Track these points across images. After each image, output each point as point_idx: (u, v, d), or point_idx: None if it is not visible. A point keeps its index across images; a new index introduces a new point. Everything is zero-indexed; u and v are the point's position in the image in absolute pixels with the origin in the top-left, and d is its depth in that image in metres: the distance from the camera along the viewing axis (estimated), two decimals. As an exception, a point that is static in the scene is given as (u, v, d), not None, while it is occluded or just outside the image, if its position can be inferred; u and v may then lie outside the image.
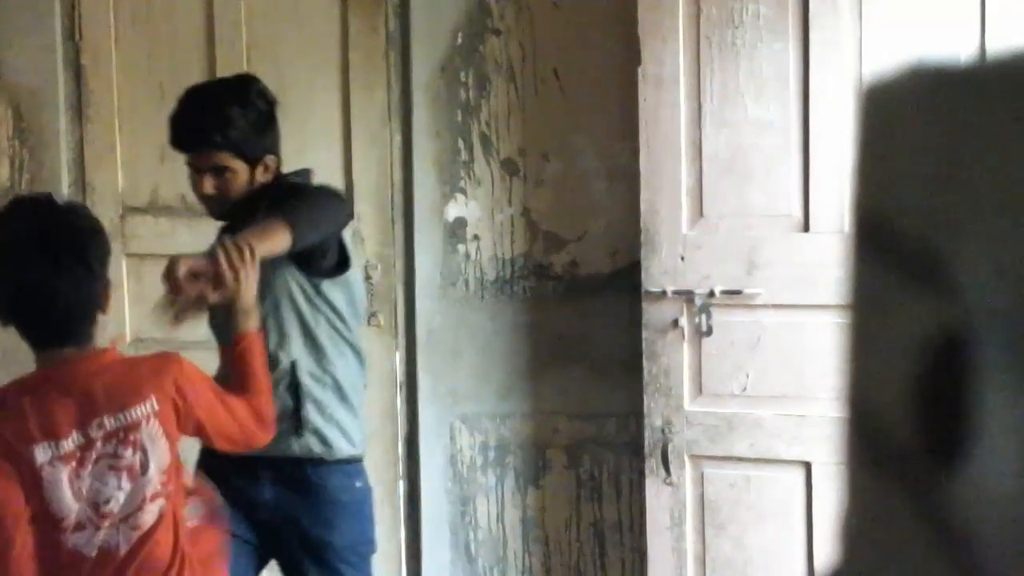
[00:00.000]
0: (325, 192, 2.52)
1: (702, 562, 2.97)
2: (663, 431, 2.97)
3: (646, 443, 2.99)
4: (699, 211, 2.91)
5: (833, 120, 2.75)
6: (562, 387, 3.21)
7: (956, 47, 2.62)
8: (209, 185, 2.44)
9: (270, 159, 2.49)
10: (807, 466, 2.85)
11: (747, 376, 2.89)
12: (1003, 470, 0.38)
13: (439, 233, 3.29)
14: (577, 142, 3.15)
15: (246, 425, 2.12)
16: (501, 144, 3.22)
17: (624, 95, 3.01)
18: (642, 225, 2.94)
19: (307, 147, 3.21)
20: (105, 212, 3.49)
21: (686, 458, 2.95)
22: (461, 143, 3.25)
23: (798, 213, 2.82)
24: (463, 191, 3.25)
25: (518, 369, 3.25)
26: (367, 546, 2.63)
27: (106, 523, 1.91)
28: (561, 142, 3.17)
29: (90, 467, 1.90)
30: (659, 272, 2.93)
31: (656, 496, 2.99)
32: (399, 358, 3.40)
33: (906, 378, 0.40)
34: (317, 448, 2.49)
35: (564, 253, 3.19)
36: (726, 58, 2.85)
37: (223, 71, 3.35)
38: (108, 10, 3.49)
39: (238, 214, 2.44)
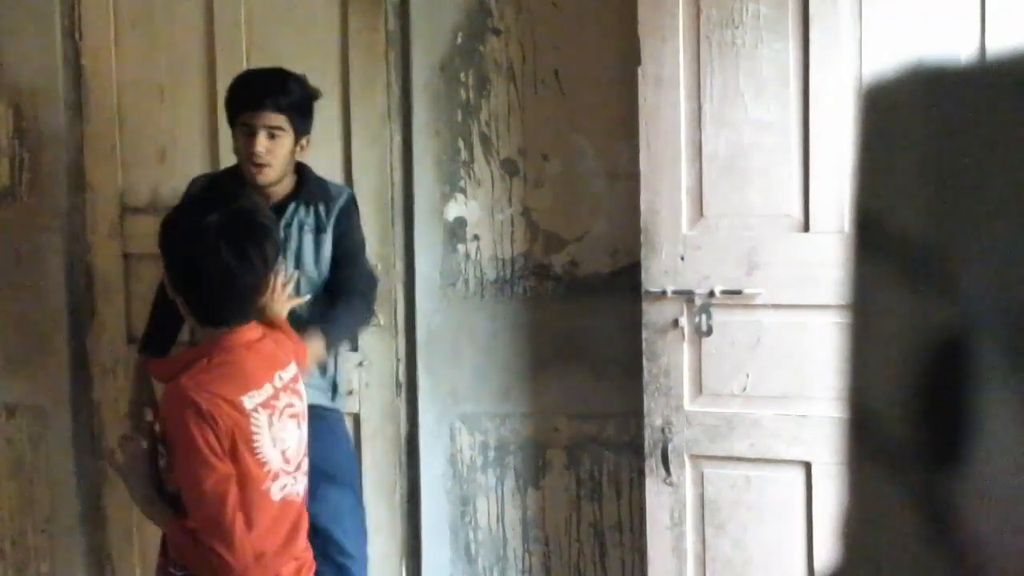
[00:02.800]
0: (366, 291, 3.00)
1: (702, 562, 2.97)
2: (663, 431, 2.97)
3: (646, 443, 2.99)
4: (699, 211, 2.91)
5: (833, 120, 2.75)
6: (562, 387, 3.21)
7: (956, 47, 2.62)
8: (262, 144, 2.78)
9: (306, 140, 2.88)
10: (807, 466, 2.85)
11: (747, 376, 2.89)
12: (1002, 470, 0.38)
13: (439, 233, 3.29)
14: (577, 142, 3.15)
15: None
16: (501, 144, 3.22)
17: (624, 95, 3.01)
18: (642, 225, 2.94)
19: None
20: (105, 212, 3.50)
21: (686, 458, 2.95)
22: (461, 143, 3.25)
23: (798, 213, 2.82)
24: (463, 191, 3.25)
25: (518, 369, 3.25)
26: (355, 464, 3.15)
27: (290, 469, 2.16)
28: (561, 142, 3.17)
29: (279, 415, 2.14)
30: (659, 272, 2.94)
31: (656, 496, 2.99)
32: (399, 358, 3.41)
33: (906, 378, 0.40)
34: (339, 403, 3.09)
35: (564, 253, 3.19)
36: (726, 58, 2.85)
37: (223, 71, 3.35)
38: (108, 10, 3.49)
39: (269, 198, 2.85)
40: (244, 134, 2.80)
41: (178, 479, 2.05)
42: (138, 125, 3.46)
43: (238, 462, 2.04)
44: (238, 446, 2.04)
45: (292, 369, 2.24)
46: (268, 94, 2.78)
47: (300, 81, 2.86)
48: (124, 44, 3.49)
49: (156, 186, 3.46)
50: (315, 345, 2.67)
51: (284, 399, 2.16)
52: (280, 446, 2.13)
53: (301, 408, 2.24)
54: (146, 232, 3.46)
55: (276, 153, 2.80)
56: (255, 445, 2.07)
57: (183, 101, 3.43)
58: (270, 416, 2.11)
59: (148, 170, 3.47)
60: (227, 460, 2.02)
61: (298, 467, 2.21)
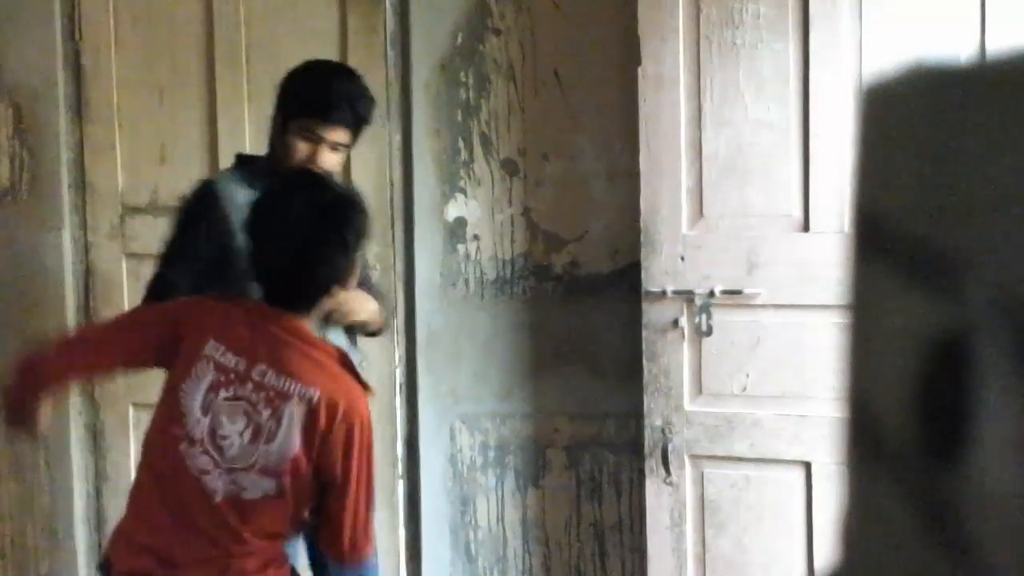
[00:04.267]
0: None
1: (702, 562, 2.97)
2: (663, 431, 2.97)
3: (646, 443, 2.99)
4: (699, 211, 2.91)
5: (833, 120, 2.75)
6: (562, 387, 3.21)
7: (956, 47, 2.62)
8: (328, 159, 2.58)
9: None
10: (807, 466, 2.85)
11: (747, 376, 2.89)
12: (1002, 470, 0.38)
13: (439, 233, 3.29)
14: (577, 142, 3.15)
15: (357, 535, 2.17)
16: (501, 144, 3.22)
17: (624, 95, 3.01)
18: (642, 225, 2.94)
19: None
20: (105, 212, 3.49)
21: (686, 458, 2.95)
22: (461, 143, 3.25)
23: (798, 213, 2.82)
24: (463, 191, 3.25)
25: (518, 369, 3.25)
26: None
27: (214, 455, 2.04)
28: (561, 142, 3.17)
29: (230, 395, 2.04)
30: (659, 272, 2.93)
31: (656, 496, 2.99)
32: (399, 358, 3.40)
33: (906, 378, 0.40)
34: None
35: (564, 253, 3.19)
36: (726, 58, 2.85)
37: (223, 71, 3.35)
38: (108, 10, 3.49)
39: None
40: (306, 142, 2.56)
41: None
42: (138, 125, 3.46)
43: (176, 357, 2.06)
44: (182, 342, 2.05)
45: (280, 378, 2.07)
46: (361, 114, 2.60)
47: (373, 99, 2.68)
48: (124, 44, 3.49)
49: (156, 186, 3.46)
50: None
51: (247, 393, 2.05)
52: (211, 421, 2.05)
53: (267, 426, 2.05)
54: (146, 232, 3.46)
55: (335, 166, 2.63)
56: (187, 379, 2.04)
57: (183, 101, 3.43)
58: (214, 381, 2.04)
59: (148, 170, 3.47)
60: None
61: (232, 466, 2.06)
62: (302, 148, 2.58)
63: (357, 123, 2.62)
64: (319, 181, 2.21)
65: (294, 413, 2.05)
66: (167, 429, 2.07)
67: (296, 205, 2.06)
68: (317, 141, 2.56)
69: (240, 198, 2.49)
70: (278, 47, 3.32)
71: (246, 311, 2.10)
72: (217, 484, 2.06)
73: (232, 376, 2.04)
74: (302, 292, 2.09)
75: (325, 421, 2.05)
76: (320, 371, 2.09)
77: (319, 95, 2.58)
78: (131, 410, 3.47)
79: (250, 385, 2.05)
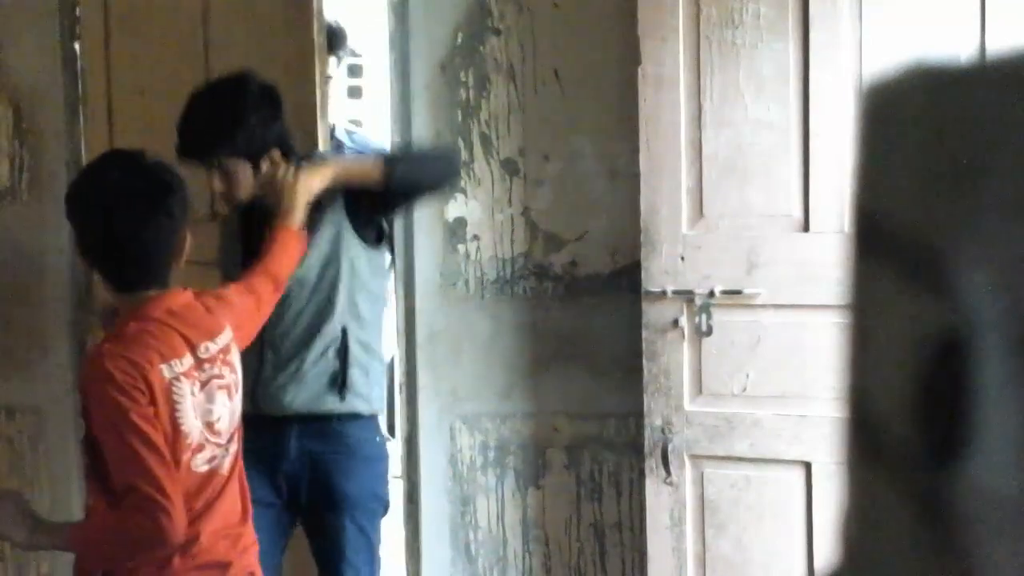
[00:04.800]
0: (436, 149, 2.91)
1: (702, 562, 2.97)
2: (663, 431, 2.96)
3: (646, 443, 2.99)
4: (699, 211, 2.91)
5: (833, 120, 2.75)
6: (562, 387, 3.21)
7: (956, 47, 2.62)
8: (217, 183, 2.56)
9: (275, 153, 2.58)
10: (807, 466, 2.85)
11: (747, 376, 2.89)
12: (1002, 469, 0.38)
13: (439, 233, 3.29)
14: (577, 142, 3.15)
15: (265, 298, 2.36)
16: (501, 144, 3.22)
17: (624, 95, 3.00)
18: (642, 225, 2.94)
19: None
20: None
21: (686, 458, 2.95)
22: (461, 143, 3.25)
23: (798, 213, 2.82)
24: (463, 191, 3.25)
25: (518, 369, 3.25)
26: (378, 502, 2.78)
27: (216, 441, 2.10)
28: (561, 142, 3.17)
29: (202, 386, 2.08)
30: (659, 272, 2.93)
31: (656, 496, 2.99)
32: (399, 358, 3.40)
33: (906, 378, 0.40)
34: (360, 407, 2.70)
35: (564, 253, 3.19)
36: (726, 58, 2.85)
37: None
38: (108, 10, 3.48)
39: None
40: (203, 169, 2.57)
41: (105, 448, 1.99)
42: (138, 126, 3.46)
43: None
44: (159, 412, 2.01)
45: (225, 338, 2.14)
46: (205, 144, 2.53)
47: (245, 101, 2.56)
48: (123, 44, 3.49)
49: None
50: (357, 164, 2.67)
51: (210, 370, 2.09)
52: (205, 417, 2.07)
53: (233, 380, 2.15)
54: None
55: (234, 186, 2.57)
56: (176, 415, 2.02)
57: (182, 102, 3.42)
58: (192, 386, 2.05)
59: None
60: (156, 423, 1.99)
61: (231, 439, 2.15)
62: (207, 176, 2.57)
63: (221, 147, 2.51)
64: (125, 162, 2.14)
65: (235, 354, 2.18)
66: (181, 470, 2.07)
67: (113, 189, 2.05)
68: (207, 169, 2.54)
69: None
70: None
71: (149, 313, 2.06)
72: (222, 460, 2.12)
73: (194, 371, 2.07)
74: (151, 271, 2.08)
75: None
76: (215, 307, 2.18)
77: (178, 136, 2.55)
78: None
79: (206, 365, 2.09)
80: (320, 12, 3.13)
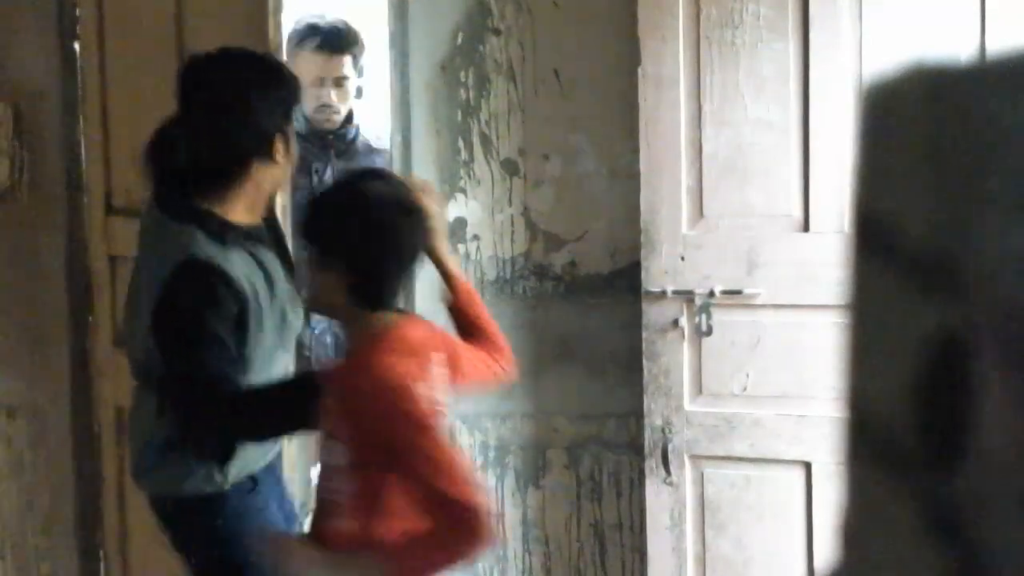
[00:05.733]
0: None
1: (702, 562, 2.97)
2: (663, 431, 2.96)
3: (646, 443, 2.99)
4: (699, 211, 2.91)
5: (833, 120, 2.75)
6: (562, 387, 3.21)
7: (956, 47, 2.62)
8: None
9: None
10: (807, 466, 2.85)
11: (747, 376, 2.89)
12: (1003, 470, 0.38)
13: (439, 233, 3.29)
14: (577, 142, 3.15)
15: None
16: (501, 144, 3.22)
17: (624, 95, 3.01)
18: (642, 225, 2.94)
19: (307, 147, 3.22)
20: (99, 214, 3.49)
21: (686, 458, 2.95)
22: (461, 143, 3.25)
23: (798, 213, 2.82)
24: (463, 191, 3.25)
25: (518, 369, 3.25)
26: None
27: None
28: (561, 142, 3.17)
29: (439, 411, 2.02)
30: (659, 272, 2.93)
31: (656, 496, 2.99)
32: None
33: (906, 378, 0.40)
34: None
35: (564, 253, 3.19)
36: (726, 58, 2.85)
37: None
38: (106, 12, 3.48)
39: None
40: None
41: (411, 462, 1.90)
42: (138, 126, 3.46)
43: None
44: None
45: (441, 361, 2.06)
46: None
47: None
48: (122, 45, 3.48)
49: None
50: None
51: (438, 392, 2.03)
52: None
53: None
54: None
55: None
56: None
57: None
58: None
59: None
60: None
61: None
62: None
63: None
64: (389, 177, 2.19)
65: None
66: None
67: (389, 203, 2.00)
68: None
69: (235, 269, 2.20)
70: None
71: (400, 340, 2.01)
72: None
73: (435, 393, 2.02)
74: (402, 290, 2.08)
75: None
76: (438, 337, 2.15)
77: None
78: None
79: (435, 389, 2.05)
80: (277, 10, 3.13)
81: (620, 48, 3.03)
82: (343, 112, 3.36)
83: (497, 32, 3.20)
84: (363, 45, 3.40)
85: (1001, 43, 2.58)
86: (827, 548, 2.79)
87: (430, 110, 3.27)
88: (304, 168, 3.24)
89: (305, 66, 3.21)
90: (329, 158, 3.36)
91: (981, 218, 0.38)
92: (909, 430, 0.40)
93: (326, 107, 3.31)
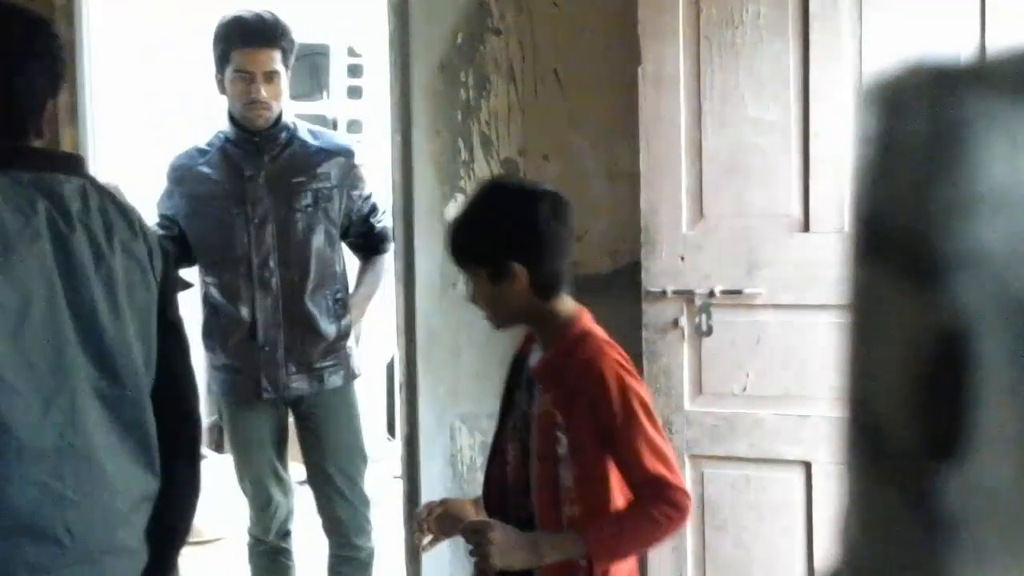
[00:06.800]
0: None
1: (702, 562, 2.97)
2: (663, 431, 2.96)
3: (646, 443, 2.99)
4: (699, 211, 2.91)
5: (833, 120, 2.75)
6: (562, 387, 3.20)
7: (956, 46, 2.62)
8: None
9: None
10: (807, 466, 2.85)
11: (747, 376, 2.89)
12: (1003, 470, 0.38)
13: (439, 233, 3.29)
14: (577, 142, 3.15)
15: None
16: (501, 144, 3.22)
17: (624, 95, 3.00)
18: (642, 225, 2.94)
19: (307, 147, 3.22)
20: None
21: (686, 458, 2.95)
22: (461, 143, 3.25)
23: (798, 213, 2.82)
24: (463, 191, 3.25)
25: (518, 369, 3.25)
26: None
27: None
28: (561, 142, 3.17)
29: None
30: (659, 272, 2.93)
31: (656, 496, 2.99)
32: (399, 358, 3.41)
33: (906, 378, 0.40)
34: None
35: (564, 253, 3.19)
36: (726, 58, 2.85)
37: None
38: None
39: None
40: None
41: (624, 441, 1.96)
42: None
43: None
44: None
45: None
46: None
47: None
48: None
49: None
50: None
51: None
52: None
53: None
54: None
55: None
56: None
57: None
58: None
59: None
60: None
61: None
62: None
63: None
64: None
65: None
66: None
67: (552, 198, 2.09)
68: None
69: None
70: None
71: (586, 323, 2.11)
72: None
73: None
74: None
75: None
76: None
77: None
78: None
79: None
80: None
81: (620, 48, 3.03)
82: (275, 109, 3.16)
83: (497, 32, 3.20)
84: (293, 40, 3.18)
85: (1001, 43, 2.58)
86: (827, 548, 2.79)
87: (430, 110, 3.27)
88: (234, 172, 3.17)
89: (234, 60, 3.10)
90: (261, 163, 3.17)
91: (981, 218, 0.38)
92: (909, 430, 0.40)
93: (255, 103, 3.11)
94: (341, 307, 3.26)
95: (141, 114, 4.57)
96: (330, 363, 3.24)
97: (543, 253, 2.03)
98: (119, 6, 3.74)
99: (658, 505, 1.94)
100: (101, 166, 3.51)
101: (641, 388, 2.01)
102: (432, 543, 2.25)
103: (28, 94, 1.75)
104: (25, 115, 1.75)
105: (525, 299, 2.03)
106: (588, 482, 2.00)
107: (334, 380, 3.26)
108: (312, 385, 3.23)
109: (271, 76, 3.11)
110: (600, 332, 2.08)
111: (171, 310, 1.89)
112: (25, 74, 1.74)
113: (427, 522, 2.21)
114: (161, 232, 3.11)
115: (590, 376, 1.98)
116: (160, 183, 3.28)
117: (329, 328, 3.22)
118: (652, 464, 1.95)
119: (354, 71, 5.91)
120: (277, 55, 3.11)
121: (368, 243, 3.39)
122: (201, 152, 3.23)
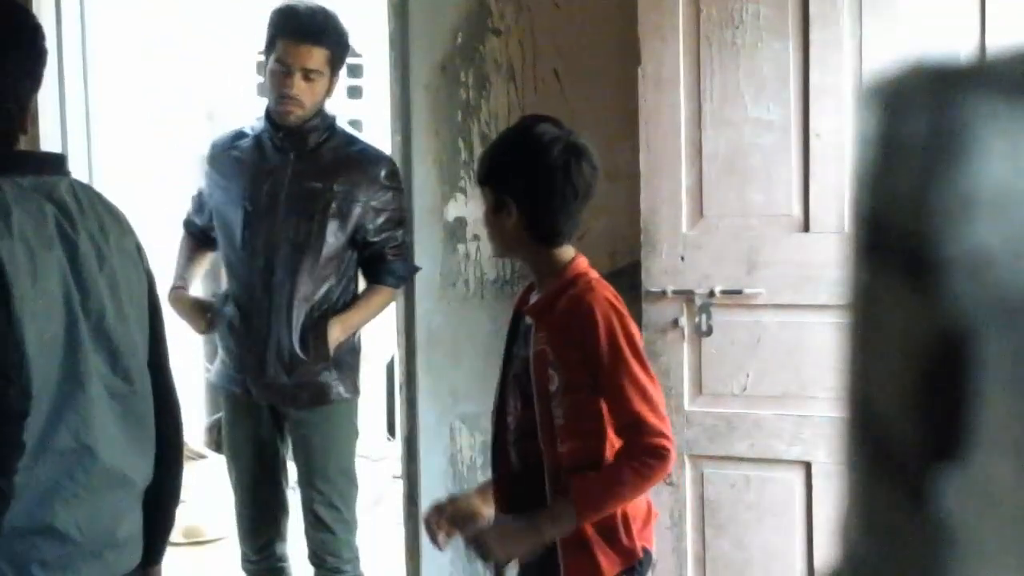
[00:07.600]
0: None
1: (702, 562, 2.97)
2: (663, 431, 2.96)
3: (646, 443, 2.99)
4: (699, 211, 2.91)
5: (833, 120, 2.75)
6: (562, 387, 3.20)
7: (956, 46, 2.62)
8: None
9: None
10: (807, 466, 2.85)
11: (747, 376, 2.89)
12: (1003, 471, 0.38)
13: (439, 233, 3.29)
14: (577, 142, 3.15)
15: None
16: (501, 144, 3.21)
17: (624, 95, 3.00)
18: (642, 225, 2.94)
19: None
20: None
21: (686, 458, 2.95)
22: (461, 143, 3.25)
23: (798, 213, 2.82)
24: (463, 191, 3.25)
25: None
26: None
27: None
28: (561, 142, 3.16)
29: None
30: (659, 272, 2.93)
31: (656, 496, 2.99)
32: (399, 358, 3.40)
33: (906, 378, 0.40)
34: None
35: (564, 253, 3.19)
36: (726, 58, 2.85)
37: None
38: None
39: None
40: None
41: (609, 386, 1.97)
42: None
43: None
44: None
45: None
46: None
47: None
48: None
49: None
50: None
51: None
52: None
53: None
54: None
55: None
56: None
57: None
58: None
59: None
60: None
61: None
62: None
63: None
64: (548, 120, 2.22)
65: None
66: None
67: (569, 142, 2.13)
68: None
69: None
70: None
71: (586, 271, 2.14)
72: None
73: None
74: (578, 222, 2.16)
75: None
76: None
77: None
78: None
79: None
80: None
81: (620, 48, 3.03)
82: (308, 108, 2.95)
83: (497, 32, 3.20)
84: (346, 43, 2.99)
85: (1001, 43, 2.58)
86: (827, 548, 2.80)
87: (430, 110, 3.27)
88: (258, 164, 2.99)
89: (277, 49, 2.93)
90: (286, 159, 2.98)
91: (980, 218, 0.38)
92: (909, 430, 0.40)
93: (286, 98, 2.91)
94: (324, 324, 2.97)
95: (141, 111, 4.57)
96: (315, 379, 3.00)
97: (538, 199, 2.05)
98: (119, 4, 3.74)
99: (637, 456, 1.95)
100: (100, 164, 3.51)
101: (632, 327, 2.02)
102: (448, 539, 2.26)
103: (15, 93, 1.72)
104: (14, 116, 1.72)
105: (519, 237, 2.08)
106: (579, 420, 2.02)
107: (319, 397, 3.03)
108: (297, 398, 3.01)
109: (310, 74, 2.90)
110: (594, 274, 2.10)
111: (154, 298, 1.90)
112: (12, 75, 1.70)
113: (440, 523, 2.21)
114: (189, 208, 3.23)
115: (579, 312, 2.01)
116: (161, 180, 3.28)
117: (302, 346, 2.95)
118: (637, 405, 1.95)
119: (354, 71, 5.91)
120: (322, 55, 2.91)
121: (371, 266, 3.08)
122: (239, 136, 3.08)
